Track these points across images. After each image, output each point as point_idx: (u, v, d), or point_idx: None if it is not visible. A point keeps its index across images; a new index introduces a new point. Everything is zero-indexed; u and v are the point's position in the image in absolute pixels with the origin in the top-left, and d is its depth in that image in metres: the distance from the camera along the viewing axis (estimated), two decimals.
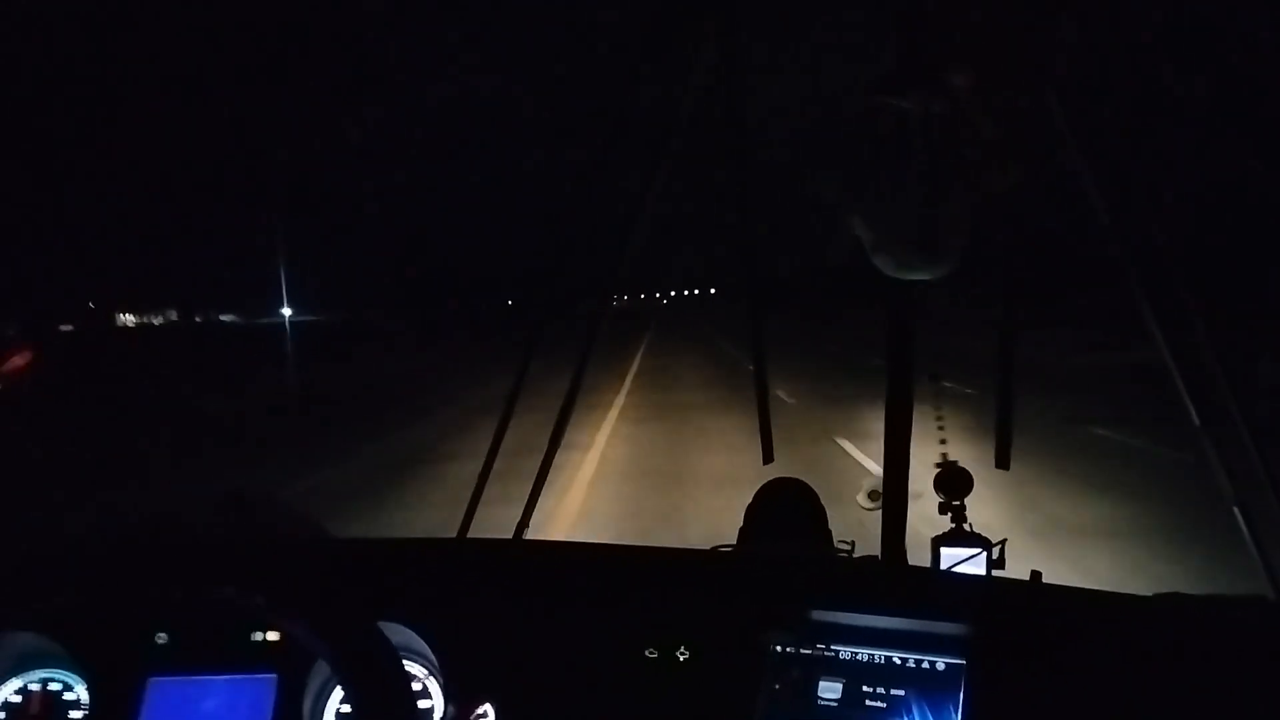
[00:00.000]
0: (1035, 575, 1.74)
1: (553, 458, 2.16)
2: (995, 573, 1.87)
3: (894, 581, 1.70)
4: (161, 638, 1.52)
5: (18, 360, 22.60)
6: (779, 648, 1.44)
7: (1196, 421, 1.74)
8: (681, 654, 1.46)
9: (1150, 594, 1.63)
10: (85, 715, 1.51)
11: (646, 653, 1.47)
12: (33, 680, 1.54)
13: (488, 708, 1.43)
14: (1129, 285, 1.70)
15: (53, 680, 1.54)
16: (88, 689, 1.51)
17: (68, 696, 1.53)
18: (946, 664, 1.37)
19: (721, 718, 1.42)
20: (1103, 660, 1.37)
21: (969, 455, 1.94)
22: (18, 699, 1.53)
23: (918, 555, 1.93)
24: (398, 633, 1.47)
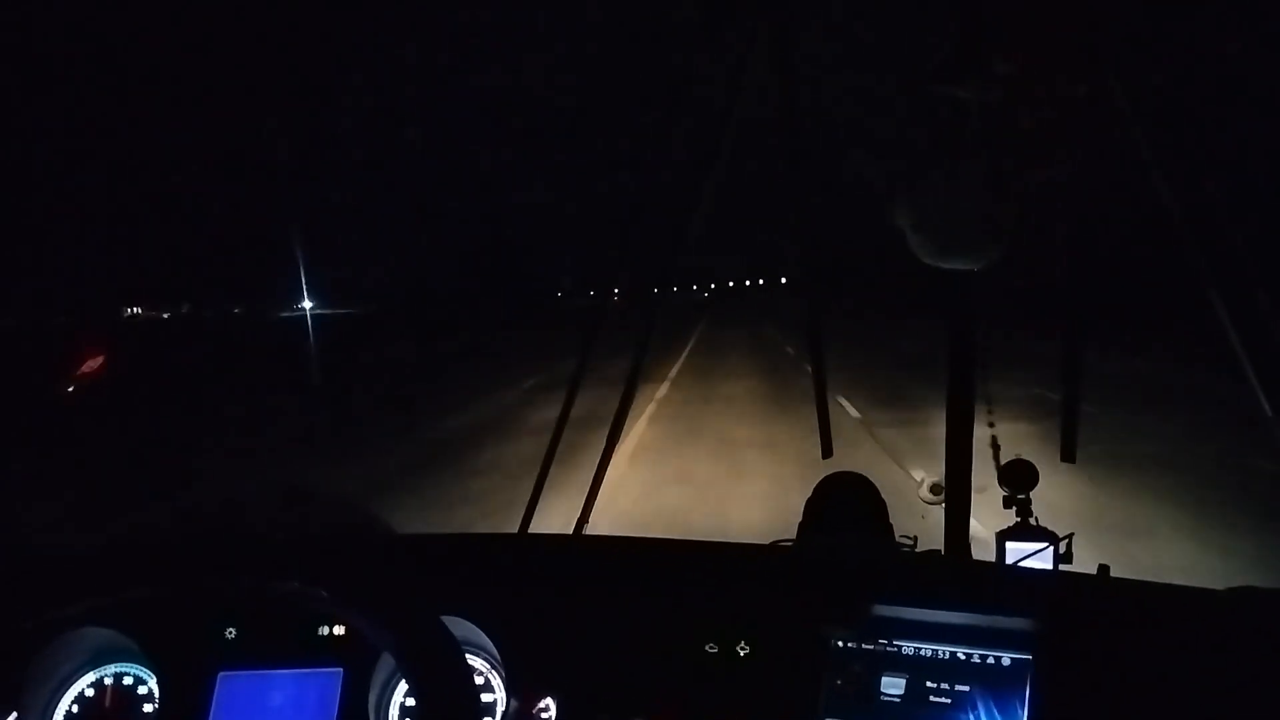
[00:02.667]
0: (1103, 569, 1.71)
1: (611, 454, 2.17)
2: (1062, 567, 1.85)
3: (958, 576, 1.68)
4: (230, 633, 1.55)
5: (92, 363, 23.15)
6: (840, 643, 1.43)
7: (1269, 412, 1.70)
8: (742, 649, 1.46)
9: (1222, 587, 1.59)
10: (157, 709, 1.54)
11: (707, 648, 1.47)
12: (106, 674, 1.58)
13: (549, 701, 1.44)
14: (1197, 275, 1.66)
15: (126, 674, 1.58)
16: (159, 683, 1.54)
17: (140, 690, 1.57)
18: (1012, 659, 1.35)
19: (783, 713, 1.41)
20: (1173, 655, 1.34)
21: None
22: (91, 693, 1.57)
23: (982, 550, 1.91)
24: (461, 627, 1.49)
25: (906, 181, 1.62)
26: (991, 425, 1.95)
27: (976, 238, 1.60)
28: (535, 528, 2.09)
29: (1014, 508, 1.94)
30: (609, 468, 2.17)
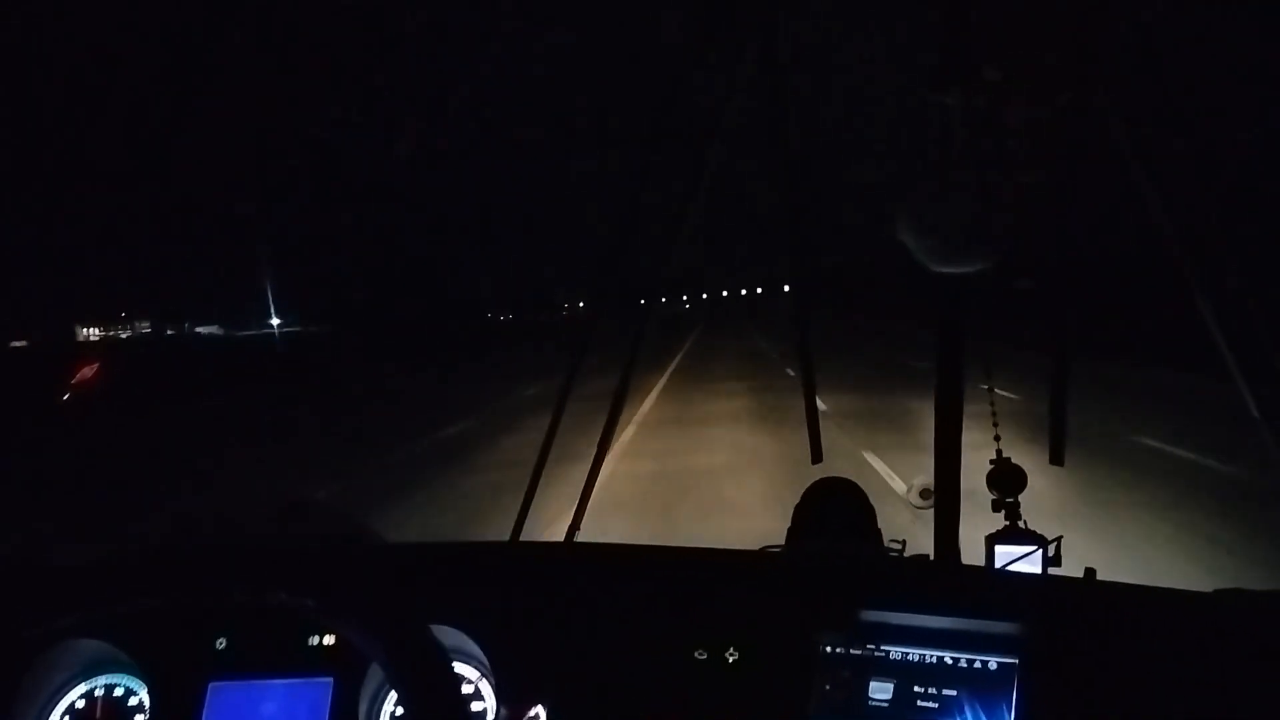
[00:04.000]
0: (1089, 572, 1.72)
1: (601, 462, 2.17)
2: (1052, 570, 1.85)
3: (946, 580, 1.68)
4: (221, 643, 1.55)
5: (86, 372, 23.22)
6: (829, 648, 1.44)
7: (1256, 414, 1.71)
8: (731, 655, 1.46)
9: (1210, 590, 1.60)
10: (147, 719, 1.54)
11: (696, 654, 1.47)
12: (97, 686, 1.58)
13: (539, 710, 1.44)
14: (1182, 278, 1.67)
15: (116, 686, 1.58)
16: (150, 693, 1.54)
17: (131, 701, 1.57)
18: (999, 663, 1.36)
19: (771, 719, 1.41)
20: (1161, 658, 1.34)
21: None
22: (82, 704, 1.57)
23: (971, 554, 1.91)
24: (450, 636, 1.49)
25: (896, 187, 1.63)
26: (996, 424, 1.97)
27: (965, 243, 1.61)
28: (526, 536, 2.09)
29: (1003, 511, 1.94)
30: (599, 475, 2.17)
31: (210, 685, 1.53)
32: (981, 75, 1.57)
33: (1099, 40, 1.63)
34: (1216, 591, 1.59)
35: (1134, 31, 1.63)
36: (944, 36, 1.61)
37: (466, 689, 1.54)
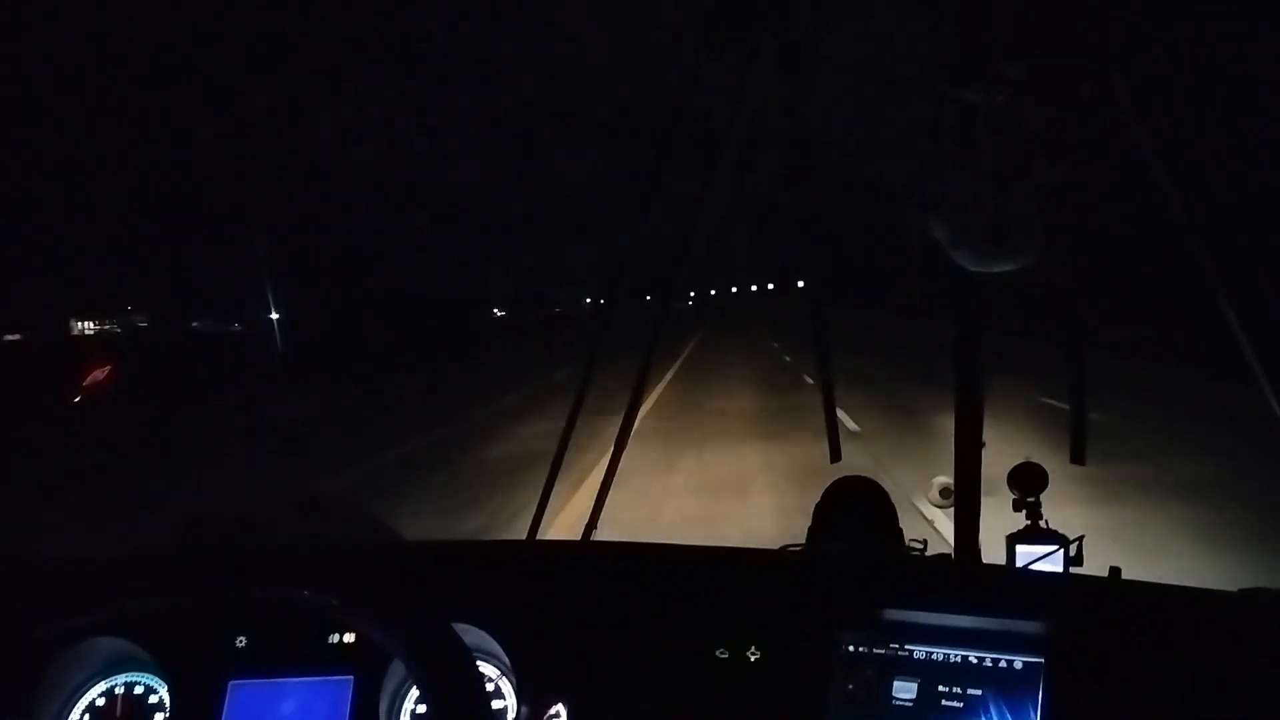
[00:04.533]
0: (1114, 571, 1.70)
1: (618, 461, 2.16)
2: (1073, 570, 1.84)
3: (969, 579, 1.67)
4: (241, 641, 1.55)
5: (98, 374, 23.31)
6: (851, 647, 1.43)
7: (1277, 410, 1.70)
8: (753, 654, 1.46)
9: (1235, 589, 1.59)
10: (168, 718, 1.54)
11: (717, 653, 1.47)
12: (117, 684, 1.58)
13: (560, 708, 1.44)
14: (1204, 276, 1.66)
15: (137, 684, 1.58)
16: (170, 692, 1.54)
17: (151, 700, 1.57)
18: (1024, 663, 1.35)
19: (793, 718, 1.41)
20: (1186, 657, 1.34)
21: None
22: (103, 702, 1.58)
23: (992, 553, 1.90)
24: (471, 634, 1.49)
25: (915, 185, 1.62)
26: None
27: (990, 243, 1.60)
28: (543, 534, 2.09)
29: (1024, 510, 1.94)
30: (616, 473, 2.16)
31: (230, 684, 1.53)
32: (1000, 70, 1.56)
33: (1119, 34, 1.62)
34: (1241, 591, 1.58)
35: (1155, 25, 1.62)
36: (963, 32, 1.60)
37: (487, 687, 1.54)
